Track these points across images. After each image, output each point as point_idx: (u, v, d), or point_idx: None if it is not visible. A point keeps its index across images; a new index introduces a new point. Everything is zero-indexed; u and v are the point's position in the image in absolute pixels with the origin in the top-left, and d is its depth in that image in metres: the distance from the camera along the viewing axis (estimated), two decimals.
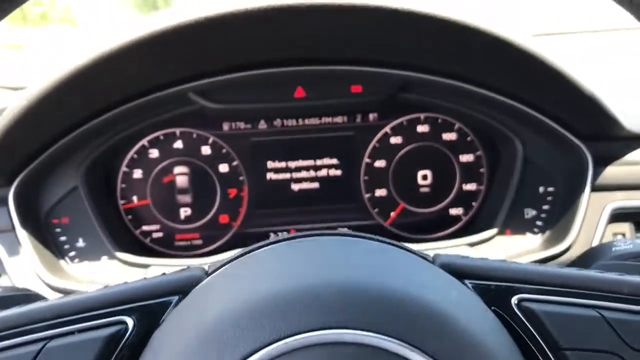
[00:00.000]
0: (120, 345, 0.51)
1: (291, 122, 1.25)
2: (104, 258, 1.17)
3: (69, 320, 0.52)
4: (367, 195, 1.28)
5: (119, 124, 1.16)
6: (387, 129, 1.26)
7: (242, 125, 1.25)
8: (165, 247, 1.28)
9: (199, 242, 1.29)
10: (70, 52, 1.00)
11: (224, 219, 1.28)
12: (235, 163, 1.26)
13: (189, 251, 1.28)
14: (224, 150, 1.25)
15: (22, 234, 1.09)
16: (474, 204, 1.29)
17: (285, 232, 1.28)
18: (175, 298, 0.55)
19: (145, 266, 1.17)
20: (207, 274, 0.57)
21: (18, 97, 1.01)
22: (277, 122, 1.25)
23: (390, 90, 1.18)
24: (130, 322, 0.53)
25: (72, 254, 1.17)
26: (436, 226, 1.30)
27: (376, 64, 1.14)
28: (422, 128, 1.27)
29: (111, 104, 1.12)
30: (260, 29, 1.02)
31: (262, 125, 1.25)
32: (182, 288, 0.56)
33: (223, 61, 1.12)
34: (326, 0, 0.97)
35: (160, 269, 1.14)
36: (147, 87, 1.11)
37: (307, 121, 1.25)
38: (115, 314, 0.53)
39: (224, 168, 1.26)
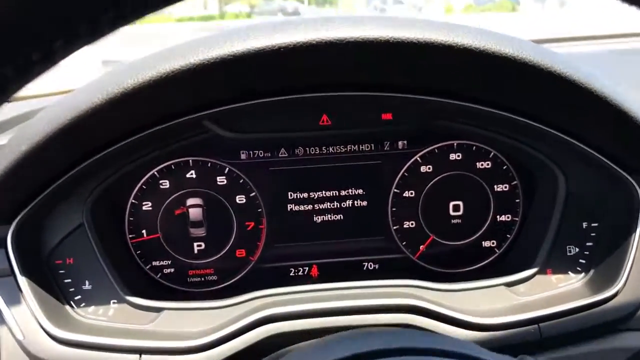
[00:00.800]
0: None
1: (314, 151, 1.15)
2: (113, 302, 1.07)
3: None
4: (394, 228, 1.20)
5: (128, 154, 1.06)
6: (417, 157, 1.17)
7: (261, 153, 1.15)
8: (177, 284, 1.18)
9: (214, 277, 1.20)
10: (78, 86, 0.89)
11: (240, 253, 1.19)
12: (253, 194, 1.16)
13: (203, 287, 1.19)
14: (241, 181, 1.15)
15: (22, 279, 0.99)
16: (508, 236, 1.21)
17: (306, 268, 1.19)
18: None
19: (158, 310, 1.08)
20: None
21: (21, 131, 0.90)
22: (299, 150, 1.15)
23: (423, 118, 1.09)
24: None
25: (77, 297, 1.07)
26: (467, 259, 1.22)
27: (408, 90, 1.04)
28: (454, 156, 1.18)
29: (121, 134, 1.01)
30: (282, 58, 0.92)
31: (283, 153, 1.15)
32: None
33: (240, 88, 1.01)
34: (354, 34, 0.86)
35: (173, 312, 1.06)
36: (160, 116, 1.01)
37: (331, 149, 1.15)
38: None
39: (240, 199, 1.17)
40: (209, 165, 1.15)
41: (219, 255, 1.18)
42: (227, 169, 1.15)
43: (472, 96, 1.03)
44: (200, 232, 1.17)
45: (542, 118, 1.02)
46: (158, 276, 1.17)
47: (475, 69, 0.92)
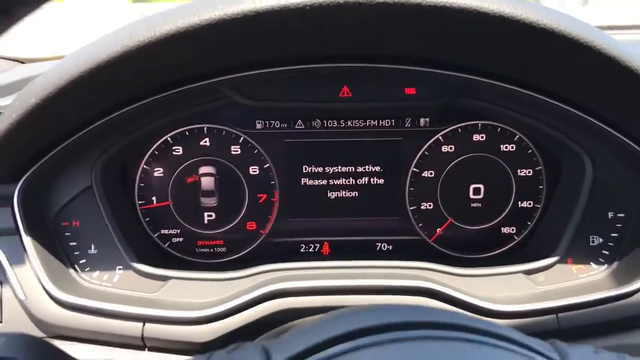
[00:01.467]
0: None
1: (332, 124, 1.11)
2: (118, 268, 1.04)
3: None
4: (411, 208, 1.15)
5: (142, 118, 1.02)
6: (439, 136, 1.13)
7: (277, 124, 1.11)
8: (185, 254, 1.15)
9: (223, 249, 1.16)
10: (90, 41, 0.85)
11: (251, 225, 1.16)
12: (267, 165, 1.12)
13: (211, 259, 1.16)
14: (255, 151, 1.12)
15: (27, 239, 0.96)
16: (528, 223, 1.17)
17: (317, 245, 1.16)
18: None
19: (164, 278, 1.05)
20: None
21: (32, 85, 0.87)
22: (317, 122, 1.11)
23: (448, 95, 1.04)
24: None
25: (82, 261, 1.04)
26: (485, 245, 1.18)
27: (434, 64, 1.00)
28: (478, 137, 1.13)
29: (135, 96, 0.97)
30: (305, 21, 0.87)
31: (300, 125, 1.11)
32: None
33: (261, 54, 0.97)
34: None
35: (180, 282, 1.03)
36: (177, 78, 0.97)
37: (350, 123, 1.11)
38: None
39: (254, 170, 1.13)
40: (224, 133, 1.11)
41: (229, 227, 1.15)
42: (242, 138, 1.11)
43: (503, 74, 0.98)
44: (211, 201, 1.13)
45: (577, 102, 0.97)
46: (166, 245, 1.14)
47: (511, 42, 0.87)
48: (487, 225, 1.16)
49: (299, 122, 1.11)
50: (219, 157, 1.12)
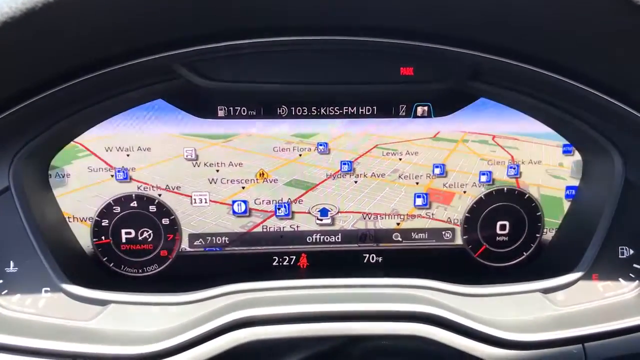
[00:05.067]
0: None
1: (302, 111, 0.92)
2: (45, 290, 0.84)
3: None
4: None
5: (68, 103, 0.81)
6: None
7: (243, 110, 0.91)
8: (127, 267, 0.95)
9: (170, 259, 0.96)
10: None
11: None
12: None
13: (161, 278, 0.96)
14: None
15: None
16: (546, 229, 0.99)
17: (293, 257, 0.96)
18: None
19: (102, 302, 0.85)
20: None
21: None
22: (283, 110, 0.91)
23: (456, 77, 0.86)
24: None
25: None
26: (496, 254, 1.00)
27: (438, 39, 0.81)
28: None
29: (62, 72, 0.76)
30: None
31: (268, 112, 0.91)
32: None
33: (220, 24, 0.77)
34: None
35: (122, 307, 0.83)
36: (116, 52, 0.76)
37: (323, 111, 0.92)
38: None
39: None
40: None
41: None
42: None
43: (525, 53, 0.80)
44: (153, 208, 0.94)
45: (609, 86, 0.80)
46: (105, 259, 0.94)
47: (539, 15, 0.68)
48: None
49: (262, 109, 0.91)
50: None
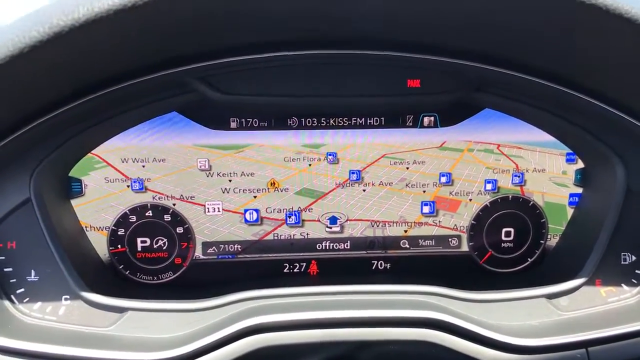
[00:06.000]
0: None
1: (312, 122, 0.94)
2: (65, 298, 0.87)
3: None
4: None
5: (91, 115, 0.84)
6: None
7: (255, 122, 0.93)
8: (143, 275, 0.98)
9: (185, 267, 0.99)
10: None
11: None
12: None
13: (176, 284, 0.98)
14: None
15: None
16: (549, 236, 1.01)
17: (304, 264, 0.99)
18: None
19: (120, 310, 0.88)
20: None
21: None
22: (293, 121, 0.94)
23: (461, 88, 0.89)
24: None
25: (20, 291, 0.87)
26: (501, 261, 1.02)
27: (444, 52, 0.84)
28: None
29: (81, 88, 0.79)
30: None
31: (280, 123, 0.94)
32: None
33: (232, 39, 0.80)
34: None
35: (139, 314, 0.86)
36: (133, 67, 0.79)
37: (332, 122, 0.94)
38: None
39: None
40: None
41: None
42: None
43: (528, 65, 0.82)
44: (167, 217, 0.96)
45: (611, 97, 0.82)
46: (121, 267, 0.97)
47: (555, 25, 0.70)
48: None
49: (273, 121, 0.93)
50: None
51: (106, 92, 0.81)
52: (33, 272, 0.87)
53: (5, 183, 0.85)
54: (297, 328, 0.83)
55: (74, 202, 0.93)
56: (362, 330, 0.84)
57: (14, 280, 0.86)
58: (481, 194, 0.99)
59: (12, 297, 0.86)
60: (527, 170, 0.98)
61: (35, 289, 0.87)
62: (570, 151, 0.97)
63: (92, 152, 0.92)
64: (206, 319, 0.87)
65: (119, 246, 0.96)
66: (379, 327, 0.84)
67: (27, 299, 0.87)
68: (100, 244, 0.96)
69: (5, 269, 0.86)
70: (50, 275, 0.87)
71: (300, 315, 0.84)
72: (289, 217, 0.98)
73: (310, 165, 0.96)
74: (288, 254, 0.99)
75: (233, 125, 0.93)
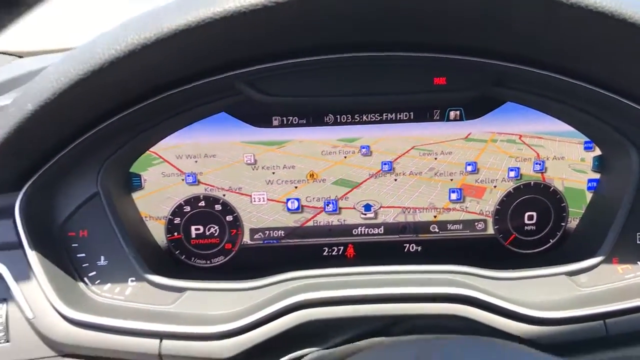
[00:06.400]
0: None
1: (347, 119, 1.03)
2: (131, 279, 0.97)
3: None
4: None
5: (153, 115, 0.95)
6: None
7: (295, 120, 1.03)
8: (199, 260, 1.08)
9: (237, 252, 1.09)
10: (94, 33, 0.77)
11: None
12: None
13: (227, 266, 1.08)
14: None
15: (31, 253, 0.89)
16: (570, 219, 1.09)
17: (341, 247, 1.08)
18: None
19: (180, 289, 0.98)
20: None
21: (29, 88, 0.79)
22: (329, 118, 1.03)
23: (483, 84, 0.96)
24: None
25: (92, 274, 0.97)
26: (524, 243, 1.10)
27: (467, 51, 0.92)
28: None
29: (142, 93, 0.90)
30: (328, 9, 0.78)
31: (318, 120, 1.03)
32: None
33: (276, 46, 0.89)
34: None
35: (196, 293, 0.96)
36: (188, 73, 0.89)
37: (365, 117, 1.03)
38: None
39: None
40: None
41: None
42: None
43: (551, 62, 0.90)
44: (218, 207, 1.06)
45: (624, 89, 0.89)
46: (177, 252, 1.07)
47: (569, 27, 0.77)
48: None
49: (311, 118, 1.02)
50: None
51: (166, 95, 0.91)
52: (102, 258, 0.98)
53: (77, 179, 0.96)
54: (338, 304, 0.93)
55: (134, 195, 1.04)
56: (398, 306, 0.93)
57: (86, 264, 0.97)
58: (505, 181, 1.06)
59: (85, 279, 0.97)
60: (547, 158, 1.05)
61: (104, 272, 0.97)
62: (588, 140, 1.04)
63: (150, 150, 1.02)
64: (256, 296, 0.97)
65: (175, 233, 1.06)
66: (413, 303, 0.93)
67: (98, 281, 0.97)
68: (158, 232, 1.06)
69: (79, 255, 0.97)
70: (117, 260, 0.97)
71: (342, 292, 0.93)
72: (327, 205, 1.07)
73: (345, 157, 1.05)
74: (327, 239, 1.08)
75: (275, 123, 1.03)
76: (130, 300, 0.97)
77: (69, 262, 0.96)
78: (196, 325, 0.91)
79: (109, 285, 0.97)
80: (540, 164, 1.05)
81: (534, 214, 1.08)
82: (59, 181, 0.95)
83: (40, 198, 0.93)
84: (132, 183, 1.03)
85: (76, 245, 0.97)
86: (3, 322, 0.89)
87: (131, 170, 1.02)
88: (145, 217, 1.05)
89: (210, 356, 0.90)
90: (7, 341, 0.90)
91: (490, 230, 1.09)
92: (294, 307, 0.92)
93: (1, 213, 0.90)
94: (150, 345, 0.89)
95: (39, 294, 0.89)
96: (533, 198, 1.07)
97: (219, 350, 0.89)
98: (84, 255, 0.97)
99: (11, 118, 0.77)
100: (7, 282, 0.89)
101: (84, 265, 0.97)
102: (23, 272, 0.90)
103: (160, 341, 0.89)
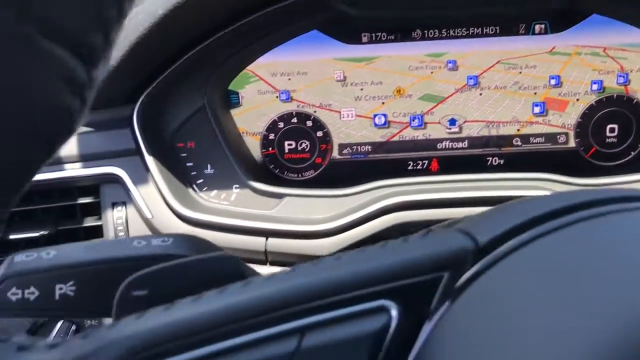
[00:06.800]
0: (386, 343, 0.38)
1: (434, 34, 1.07)
2: (235, 186, 1.06)
3: (325, 305, 0.39)
4: None
5: (250, 33, 1.01)
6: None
7: (383, 36, 1.07)
8: (292, 172, 1.15)
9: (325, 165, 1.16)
10: None
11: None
12: None
13: (316, 178, 1.15)
14: None
15: (149, 158, 0.98)
16: None
17: (425, 161, 1.13)
18: (444, 274, 0.42)
19: (279, 196, 1.06)
20: (479, 246, 0.43)
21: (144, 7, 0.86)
22: (417, 33, 1.07)
23: None
24: (393, 309, 0.39)
25: (200, 181, 1.06)
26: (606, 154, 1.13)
27: None
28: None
29: (242, 10, 0.96)
30: None
31: (408, 36, 1.07)
32: (453, 262, 0.42)
33: None
34: None
35: (295, 199, 1.04)
36: None
37: (452, 32, 1.06)
38: (373, 296, 0.40)
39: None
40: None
41: None
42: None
43: None
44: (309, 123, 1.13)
45: None
46: (271, 167, 1.15)
47: None
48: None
49: (399, 34, 1.07)
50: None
51: (260, 15, 0.98)
52: (209, 166, 1.06)
53: (185, 94, 1.04)
54: (426, 207, 0.99)
55: (232, 111, 1.11)
56: (482, 209, 0.98)
57: (194, 173, 1.06)
58: (587, 94, 1.09)
59: (194, 186, 1.06)
60: (631, 71, 1.07)
61: (211, 180, 1.06)
62: None
63: (247, 68, 1.09)
64: (350, 202, 1.04)
65: (270, 149, 1.14)
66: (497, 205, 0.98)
67: (206, 187, 1.06)
68: (254, 147, 1.14)
69: (188, 164, 1.06)
70: (222, 168, 1.06)
71: (428, 195, 0.99)
72: (413, 120, 1.12)
73: (432, 72, 1.09)
74: (412, 153, 1.14)
75: (364, 39, 1.08)
76: (235, 205, 1.05)
77: (179, 169, 1.05)
78: (297, 224, 0.99)
79: (215, 191, 1.06)
80: (624, 77, 1.07)
81: (616, 126, 1.10)
82: (169, 95, 1.03)
83: (154, 110, 1.02)
84: (231, 100, 1.10)
85: (184, 154, 1.05)
86: (123, 223, 1.00)
87: (230, 87, 1.10)
88: (243, 132, 1.12)
89: (312, 253, 0.98)
90: None
91: (572, 144, 1.12)
92: (388, 209, 0.98)
93: (120, 122, 0.99)
94: (257, 242, 0.98)
95: (156, 196, 0.99)
96: (615, 111, 1.09)
97: (321, 248, 0.98)
98: (192, 164, 1.06)
99: (139, 26, 0.85)
100: (128, 185, 0.99)
101: (192, 173, 1.06)
102: (142, 177, 0.99)
103: (266, 239, 0.98)
